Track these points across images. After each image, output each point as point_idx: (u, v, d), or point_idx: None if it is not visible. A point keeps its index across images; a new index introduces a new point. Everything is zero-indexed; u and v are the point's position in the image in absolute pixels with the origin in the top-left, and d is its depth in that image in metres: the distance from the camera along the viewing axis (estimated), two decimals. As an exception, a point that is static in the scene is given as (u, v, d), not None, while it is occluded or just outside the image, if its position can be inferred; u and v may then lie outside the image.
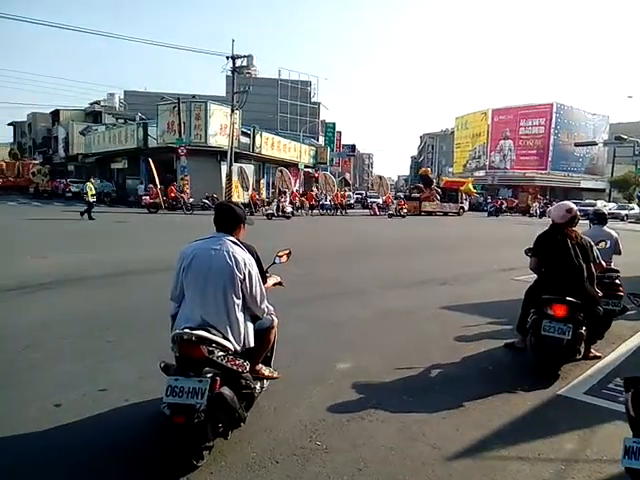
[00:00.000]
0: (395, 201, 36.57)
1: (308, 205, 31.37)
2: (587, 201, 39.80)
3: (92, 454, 2.93)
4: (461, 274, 9.78)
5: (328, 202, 33.41)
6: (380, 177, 41.73)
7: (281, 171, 33.11)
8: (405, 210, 31.33)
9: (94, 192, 20.41)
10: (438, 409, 3.67)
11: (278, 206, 25.50)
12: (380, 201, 36.31)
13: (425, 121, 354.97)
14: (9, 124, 68.99)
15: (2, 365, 4.26)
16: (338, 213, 32.16)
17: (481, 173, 61.78)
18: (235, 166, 29.43)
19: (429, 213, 34.68)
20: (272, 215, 24.51)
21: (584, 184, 56.94)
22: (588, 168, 60.37)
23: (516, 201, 45.00)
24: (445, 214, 35.28)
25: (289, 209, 25.86)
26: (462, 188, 38.84)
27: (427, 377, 4.37)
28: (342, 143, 65.78)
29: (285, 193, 27.92)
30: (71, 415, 3.36)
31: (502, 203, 41.96)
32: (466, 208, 38.39)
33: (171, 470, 2.72)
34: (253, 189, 31.86)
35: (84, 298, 6.90)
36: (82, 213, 19.43)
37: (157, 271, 8.42)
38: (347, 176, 67.11)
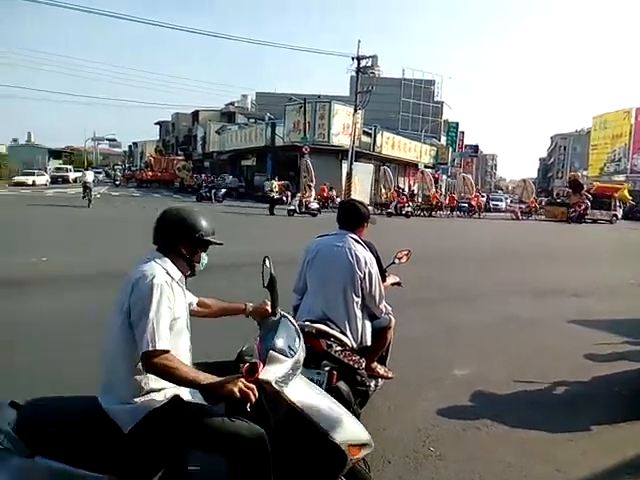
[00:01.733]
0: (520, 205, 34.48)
1: (448, 206, 30.96)
2: None
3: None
4: (594, 286, 8.91)
5: (465, 204, 32.45)
6: (524, 181, 39.44)
7: (385, 171, 33.05)
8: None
9: (277, 189, 23.60)
10: (563, 430, 3.40)
11: (301, 202, 22.73)
12: (503, 204, 34.26)
13: (556, 121, 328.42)
14: (156, 123, 76.85)
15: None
16: (475, 216, 31.14)
17: (621, 177, 55.34)
18: (370, 166, 29.80)
19: (579, 220, 31.11)
20: (294, 212, 22.12)
21: None
22: None
23: None
24: (594, 221, 32.11)
25: (315, 205, 23.19)
26: (617, 194, 35.00)
27: (551, 394, 4.07)
28: (465, 143, 63.34)
29: (310, 187, 24.61)
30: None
31: None
32: (619, 216, 34.58)
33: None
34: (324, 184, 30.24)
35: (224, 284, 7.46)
36: (271, 210, 22.04)
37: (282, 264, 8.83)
38: (457, 177, 64.48)
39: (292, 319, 2.32)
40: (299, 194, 24.51)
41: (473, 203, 32.26)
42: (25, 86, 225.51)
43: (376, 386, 3.42)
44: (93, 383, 2.00)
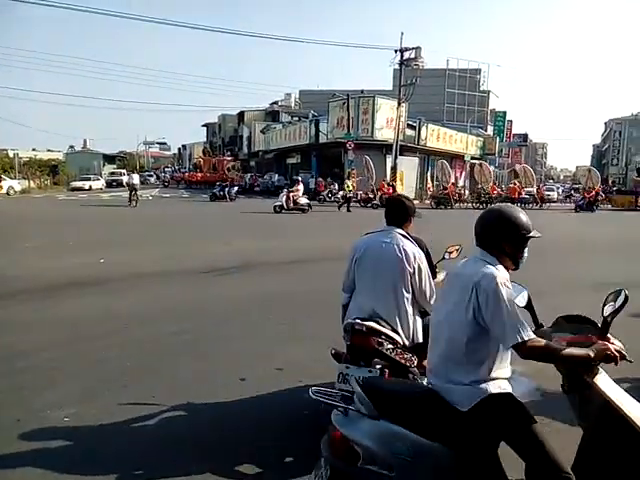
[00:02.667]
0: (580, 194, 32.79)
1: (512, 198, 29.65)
2: None
3: (270, 429, 3.20)
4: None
5: (527, 196, 31.08)
6: (589, 170, 37.11)
7: (441, 164, 32.38)
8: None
9: (351, 188, 24.33)
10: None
11: (288, 197, 21.41)
12: (555, 194, 32.72)
13: (611, 105, 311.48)
14: (203, 125, 78.65)
15: (198, 339, 4.94)
16: (536, 207, 29.95)
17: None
18: (415, 160, 29.33)
19: None
20: (281, 207, 21.01)
21: None
22: None
23: None
24: None
25: (303, 201, 21.78)
26: None
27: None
28: (513, 132, 61.18)
29: (299, 182, 23.41)
30: (253, 390, 3.74)
31: None
32: None
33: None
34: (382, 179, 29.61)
35: (262, 281, 7.64)
36: (340, 207, 22.90)
37: (328, 260, 8.95)
38: (517, 167, 62.34)
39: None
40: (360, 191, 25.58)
41: (535, 194, 31.15)
42: (85, 95, 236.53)
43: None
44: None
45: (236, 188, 29.83)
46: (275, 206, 21.11)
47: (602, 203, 31.67)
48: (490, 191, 30.87)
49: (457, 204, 29.44)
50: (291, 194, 21.52)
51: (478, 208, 27.50)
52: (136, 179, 24.13)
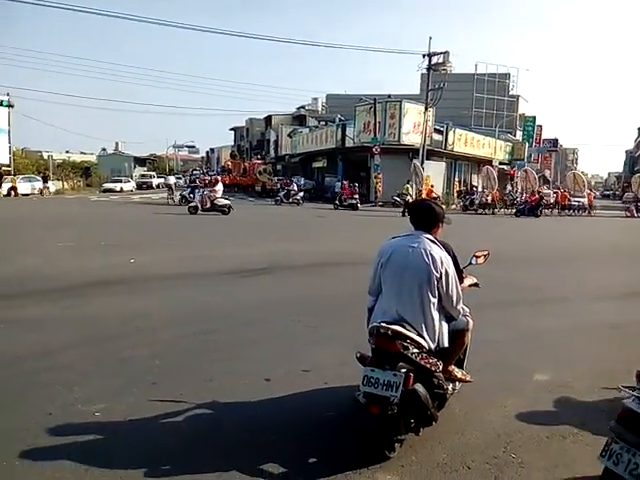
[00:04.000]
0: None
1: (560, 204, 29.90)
2: None
3: (294, 430, 3.23)
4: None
5: (577, 202, 30.69)
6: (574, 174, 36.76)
7: (487, 170, 32.01)
8: None
9: (410, 192, 25.21)
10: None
11: (204, 197, 19.83)
12: (585, 200, 31.92)
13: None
14: (231, 129, 79.62)
15: (225, 339, 5.01)
16: (585, 214, 29.63)
17: None
18: (442, 164, 29.39)
19: None
20: (196, 209, 19.64)
21: None
22: None
23: None
24: None
25: (223, 201, 20.11)
26: None
27: (643, 403, 3.79)
28: (542, 138, 60.00)
29: (217, 181, 21.77)
30: (278, 391, 3.77)
31: None
32: None
33: (364, 456, 2.85)
34: (431, 185, 30.23)
35: (289, 284, 7.71)
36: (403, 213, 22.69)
37: (353, 264, 8.96)
38: (547, 173, 61.13)
39: None
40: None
41: (586, 201, 30.68)
42: (114, 99, 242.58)
43: (454, 390, 3.36)
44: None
45: (302, 193, 29.56)
46: (190, 207, 20.00)
47: None
48: (529, 198, 30.33)
49: (502, 210, 29.25)
50: (208, 194, 19.98)
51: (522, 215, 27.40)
52: (172, 180, 28.88)
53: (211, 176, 54.98)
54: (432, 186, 28.47)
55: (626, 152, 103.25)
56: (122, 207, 23.88)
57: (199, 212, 19.51)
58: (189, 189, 25.02)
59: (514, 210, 28.28)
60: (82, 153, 70.25)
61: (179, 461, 2.82)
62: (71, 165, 50.84)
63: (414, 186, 27.94)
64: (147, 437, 3.09)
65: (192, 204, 20.14)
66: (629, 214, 29.72)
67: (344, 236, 14.94)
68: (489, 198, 29.35)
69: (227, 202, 20.20)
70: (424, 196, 26.00)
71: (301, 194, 28.97)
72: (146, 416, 3.32)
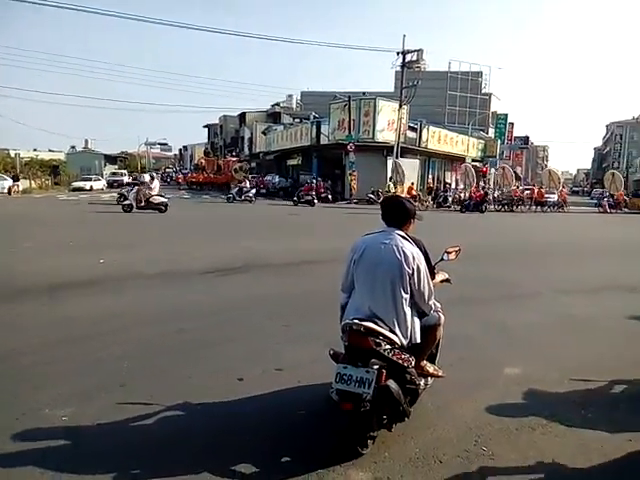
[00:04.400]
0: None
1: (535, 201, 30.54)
2: None
3: (267, 429, 3.20)
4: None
5: (552, 199, 31.43)
6: (612, 174, 37.11)
7: (466, 168, 32.57)
8: None
9: (393, 191, 24.76)
10: (621, 429, 3.25)
11: (138, 195, 19.17)
12: (556, 197, 32.74)
13: (612, 109, 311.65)
14: (204, 126, 78.78)
15: (199, 338, 4.95)
16: (559, 210, 30.35)
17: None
18: (416, 162, 29.72)
19: None
20: (130, 207, 19.05)
21: None
22: None
23: None
24: None
25: (159, 199, 19.38)
26: None
27: (609, 393, 3.90)
28: (514, 135, 61.25)
29: (153, 178, 20.71)
30: (251, 390, 3.73)
31: None
32: None
33: (337, 454, 2.85)
34: (411, 183, 31.10)
35: (264, 283, 7.65)
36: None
37: (326, 262, 8.96)
38: (518, 170, 62.39)
39: None
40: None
41: (560, 197, 31.49)
42: (81, 95, 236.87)
43: (426, 385, 3.38)
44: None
45: (254, 190, 29.23)
46: (124, 205, 19.40)
47: (626, 206, 32.15)
48: (513, 194, 30.95)
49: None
50: (143, 191, 19.25)
51: (500, 210, 28.27)
52: (147, 178, 23.87)
53: (184, 174, 54.24)
54: (412, 183, 28.79)
55: (594, 149, 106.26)
56: (93, 204, 23.25)
57: (134, 210, 18.89)
58: (130, 187, 23.40)
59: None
60: (50, 151, 68.29)
61: (149, 465, 2.77)
62: (39, 163, 49.25)
63: (397, 184, 28.28)
64: (115, 441, 3.02)
65: (126, 202, 19.54)
66: (602, 210, 30.66)
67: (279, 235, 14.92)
68: (467, 195, 29.78)
69: (164, 200, 19.55)
70: (405, 194, 26.40)
71: (253, 191, 28.60)
72: (116, 419, 3.25)
